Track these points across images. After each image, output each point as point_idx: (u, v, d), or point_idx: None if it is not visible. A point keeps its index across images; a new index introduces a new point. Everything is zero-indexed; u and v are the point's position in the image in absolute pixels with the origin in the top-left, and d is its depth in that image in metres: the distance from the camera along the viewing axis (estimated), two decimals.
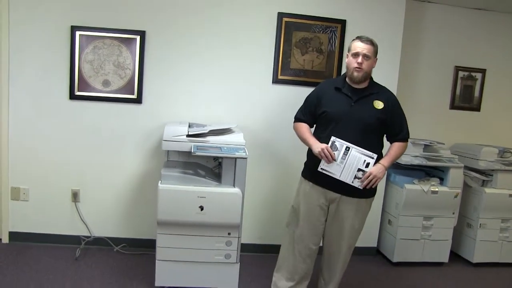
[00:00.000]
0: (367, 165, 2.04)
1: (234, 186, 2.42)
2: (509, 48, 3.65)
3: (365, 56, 2.09)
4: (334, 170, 2.07)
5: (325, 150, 2.05)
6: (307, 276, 2.36)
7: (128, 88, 2.92)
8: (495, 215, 3.26)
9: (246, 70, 3.02)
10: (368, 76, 2.15)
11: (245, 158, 2.40)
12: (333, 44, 3.05)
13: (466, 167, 3.28)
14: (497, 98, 3.69)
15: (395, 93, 3.13)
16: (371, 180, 2.05)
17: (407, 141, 2.23)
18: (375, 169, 2.05)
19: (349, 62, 2.15)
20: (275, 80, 3.02)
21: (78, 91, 2.89)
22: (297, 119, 2.35)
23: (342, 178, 2.07)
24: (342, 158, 2.06)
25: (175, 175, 2.45)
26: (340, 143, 2.06)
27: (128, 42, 2.88)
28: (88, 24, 2.83)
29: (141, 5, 2.88)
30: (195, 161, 2.70)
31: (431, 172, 3.30)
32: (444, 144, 3.31)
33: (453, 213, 3.21)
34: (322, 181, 2.17)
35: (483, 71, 3.63)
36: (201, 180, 2.45)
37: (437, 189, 3.11)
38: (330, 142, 2.07)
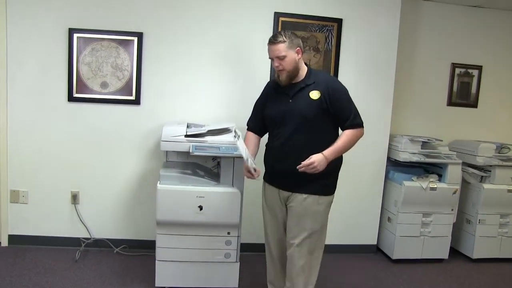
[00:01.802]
0: None
1: (232, 185, 2.43)
2: (505, 45, 3.67)
3: (278, 57, 1.99)
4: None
5: (247, 175, 2.11)
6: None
7: (126, 89, 2.93)
8: (494, 211, 3.27)
9: (244, 70, 3.03)
10: (295, 71, 2.03)
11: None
12: (329, 43, 3.06)
13: (464, 163, 3.29)
14: (493, 94, 3.71)
15: (391, 91, 3.19)
16: (307, 166, 1.92)
17: (359, 127, 2.05)
18: (316, 158, 1.92)
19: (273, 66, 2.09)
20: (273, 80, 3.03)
21: (77, 93, 2.90)
22: (247, 126, 2.31)
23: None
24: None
25: (174, 175, 2.45)
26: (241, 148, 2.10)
27: (126, 43, 2.89)
28: (85, 27, 2.85)
29: (138, 6, 2.89)
30: (193, 161, 2.71)
31: (430, 168, 3.31)
32: (442, 140, 3.32)
33: (452, 210, 3.21)
34: (274, 181, 2.14)
35: (479, 68, 3.65)
36: (199, 180, 2.45)
37: (435, 186, 3.12)
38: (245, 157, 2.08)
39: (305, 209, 2.05)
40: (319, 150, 1.95)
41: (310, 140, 2.00)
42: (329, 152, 1.96)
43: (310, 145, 1.98)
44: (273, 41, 2.00)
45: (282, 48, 1.98)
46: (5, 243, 2.99)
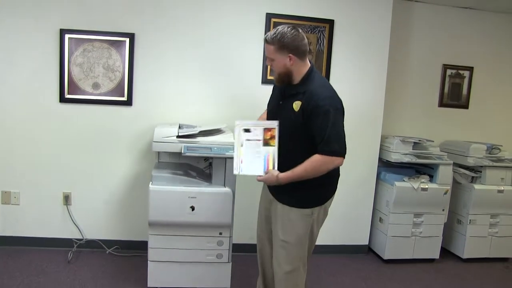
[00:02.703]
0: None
1: (224, 186, 2.44)
2: (495, 46, 3.70)
3: (268, 58, 1.89)
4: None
5: None
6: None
7: (118, 90, 2.93)
8: (485, 211, 3.30)
9: (236, 71, 3.04)
10: (285, 77, 1.88)
11: None
12: (321, 44, 3.07)
13: (455, 164, 3.31)
14: (484, 95, 3.74)
15: (383, 92, 3.20)
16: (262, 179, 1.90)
17: (330, 155, 1.79)
18: (268, 176, 1.87)
19: None
20: (264, 80, 3.04)
21: (68, 94, 2.89)
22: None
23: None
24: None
25: (166, 176, 2.45)
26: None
27: (118, 44, 2.88)
28: (77, 27, 2.84)
29: (129, 7, 2.89)
30: (185, 162, 2.71)
31: (421, 169, 3.33)
32: (433, 141, 3.34)
33: (443, 210, 3.24)
34: None
35: (470, 69, 3.68)
36: (191, 180, 2.46)
37: (427, 186, 3.14)
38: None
39: (278, 218, 1.99)
40: (292, 163, 1.83)
41: (287, 150, 1.88)
42: (285, 176, 1.83)
43: (286, 156, 1.87)
44: (265, 39, 1.87)
45: (270, 50, 1.85)
46: None
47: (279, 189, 1.94)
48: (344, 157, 1.85)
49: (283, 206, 1.96)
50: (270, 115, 2.04)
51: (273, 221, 2.05)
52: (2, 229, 2.99)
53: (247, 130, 1.91)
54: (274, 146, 1.86)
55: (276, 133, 1.86)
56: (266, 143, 1.87)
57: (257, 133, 1.89)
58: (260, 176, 1.90)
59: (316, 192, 1.95)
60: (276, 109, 1.98)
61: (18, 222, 2.98)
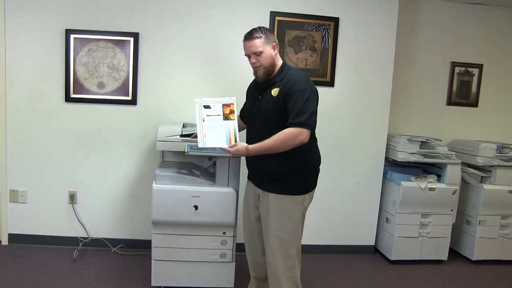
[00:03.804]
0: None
1: (228, 185, 2.43)
2: (506, 43, 3.61)
3: (254, 53, 1.96)
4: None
5: None
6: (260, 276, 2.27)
7: (122, 90, 2.95)
8: (495, 212, 3.22)
9: (240, 70, 3.01)
10: (272, 68, 1.99)
11: (239, 157, 2.40)
12: (326, 42, 3.04)
13: (464, 164, 3.25)
14: (494, 94, 3.65)
15: (389, 90, 3.16)
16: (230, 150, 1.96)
17: (299, 127, 1.85)
18: (238, 147, 1.95)
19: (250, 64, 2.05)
20: None
21: (74, 93, 2.92)
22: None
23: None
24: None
25: (170, 175, 2.45)
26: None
27: (122, 44, 2.90)
28: (82, 27, 2.87)
29: (133, 7, 2.90)
30: (189, 161, 2.71)
31: (429, 169, 3.27)
32: (441, 140, 3.28)
33: (452, 210, 3.18)
34: (250, 177, 2.17)
35: (480, 67, 3.60)
36: (195, 179, 2.46)
37: (434, 186, 3.08)
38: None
39: (270, 209, 2.00)
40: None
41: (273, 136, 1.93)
42: (255, 147, 1.92)
43: None
44: (248, 37, 1.97)
45: (258, 43, 1.94)
46: (5, 242, 3.03)
47: (268, 179, 1.99)
48: (310, 131, 1.89)
49: (275, 195, 1.99)
50: (248, 114, 2.14)
51: (264, 216, 2.05)
52: (11, 227, 3.03)
53: (207, 107, 2.01)
54: (234, 120, 1.99)
55: (235, 107, 1.99)
56: (226, 117, 1.99)
57: (217, 109, 2.00)
58: (225, 147, 1.97)
59: (304, 178, 2.02)
60: (255, 104, 2.06)
61: (25, 220, 3.02)
